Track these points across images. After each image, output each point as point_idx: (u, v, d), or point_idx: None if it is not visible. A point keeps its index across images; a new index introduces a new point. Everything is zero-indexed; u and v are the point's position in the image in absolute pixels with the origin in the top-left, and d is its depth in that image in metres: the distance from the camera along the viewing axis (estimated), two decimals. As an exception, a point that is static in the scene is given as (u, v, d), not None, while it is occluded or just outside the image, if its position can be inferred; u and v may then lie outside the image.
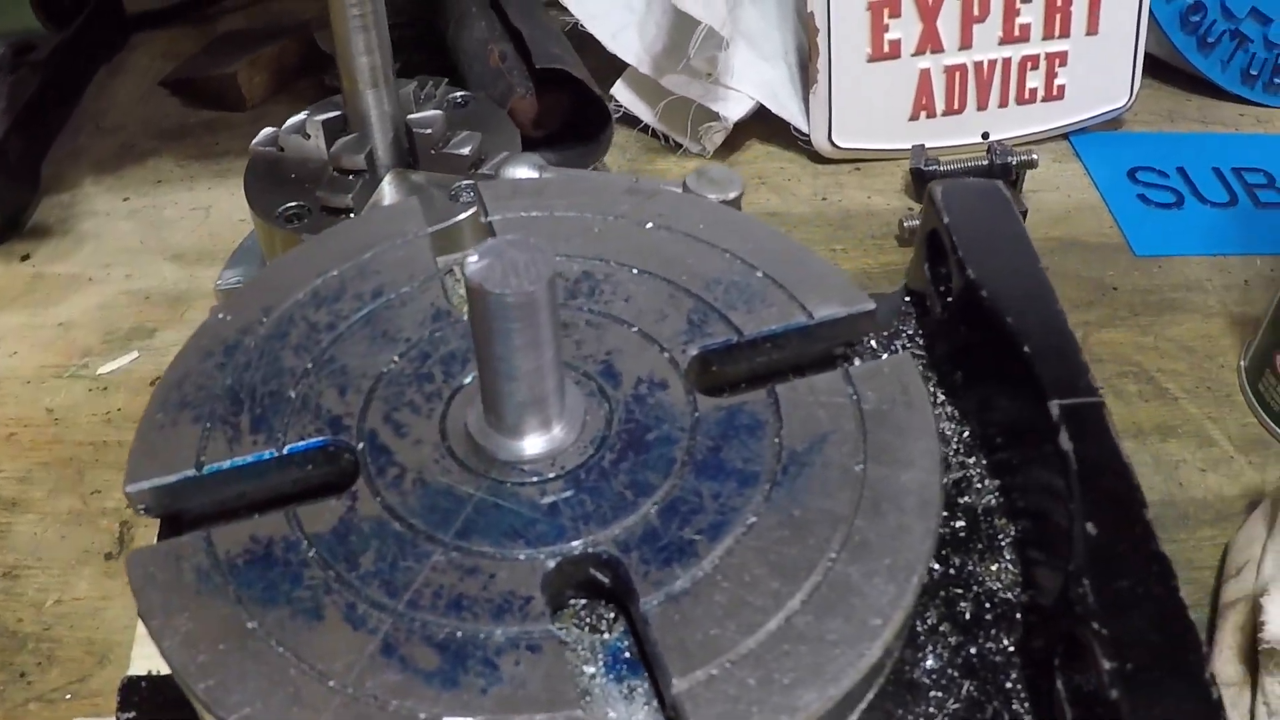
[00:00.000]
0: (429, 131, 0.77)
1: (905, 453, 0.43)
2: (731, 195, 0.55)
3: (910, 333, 0.57)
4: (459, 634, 0.38)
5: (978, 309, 0.51)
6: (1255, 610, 0.63)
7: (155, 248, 1.01)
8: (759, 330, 0.47)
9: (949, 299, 0.54)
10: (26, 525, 0.78)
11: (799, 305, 0.48)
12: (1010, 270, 0.52)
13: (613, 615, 0.41)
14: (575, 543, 0.40)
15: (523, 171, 0.58)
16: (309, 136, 0.78)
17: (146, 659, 0.40)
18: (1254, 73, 1.14)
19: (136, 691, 0.45)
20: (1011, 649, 0.45)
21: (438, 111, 0.79)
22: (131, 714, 0.45)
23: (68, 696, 0.69)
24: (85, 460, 0.82)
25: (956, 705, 0.43)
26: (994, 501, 0.49)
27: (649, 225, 0.52)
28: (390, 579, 0.39)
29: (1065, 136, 1.09)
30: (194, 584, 0.40)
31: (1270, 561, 0.67)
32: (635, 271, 0.50)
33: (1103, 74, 1.07)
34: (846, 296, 0.48)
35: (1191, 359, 0.86)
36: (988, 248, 0.53)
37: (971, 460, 0.51)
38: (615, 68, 1.04)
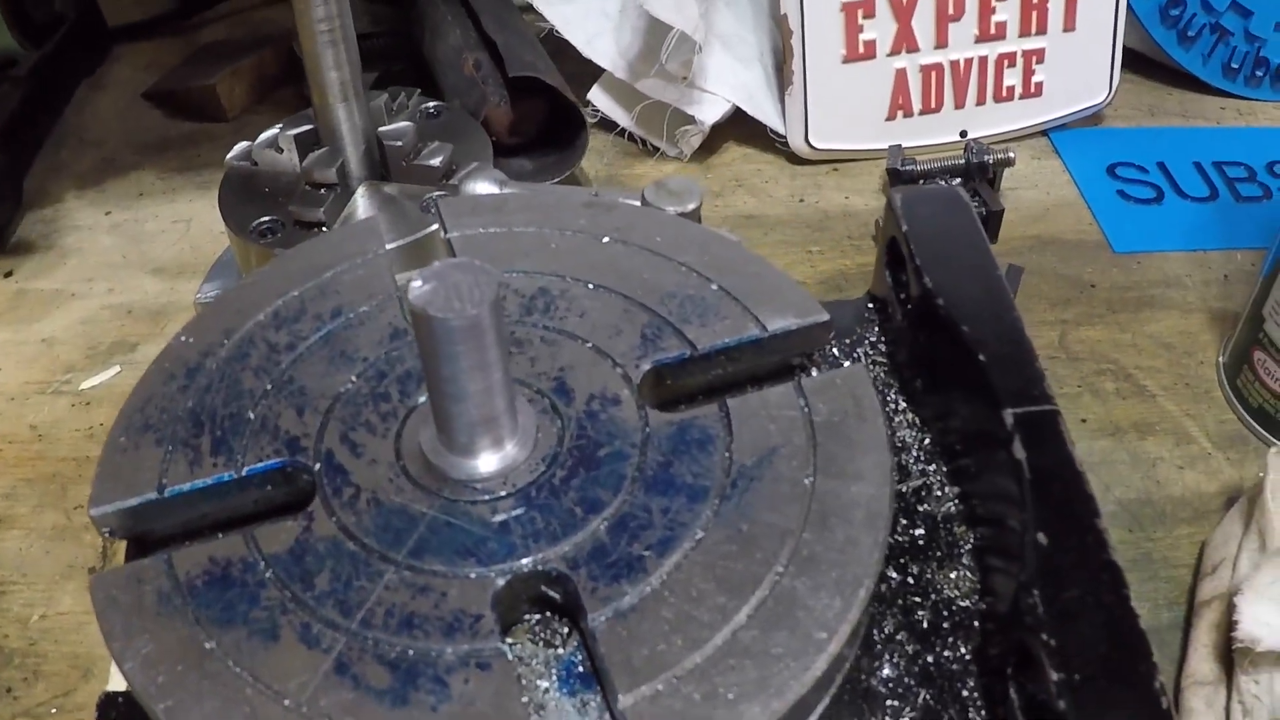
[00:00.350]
0: (400, 144, 0.78)
1: (855, 466, 0.43)
2: (690, 207, 0.55)
3: (873, 339, 0.57)
4: (410, 652, 0.38)
5: (935, 317, 0.51)
6: (1230, 609, 0.64)
7: (136, 262, 1.02)
8: (712, 344, 0.48)
9: (909, 306, 0.55)
10: (11, 541, 0.79)
11: (753, 318, 0.48)
12: (967, 278, 0.52)
13: (566, 630, 0.42)
14: (525, 560, 0.41)
15: (483, 187, 0.59)
16: (282, 151, 0.78)
17: (123, 675, 0.41)
18: (1235, 66, 1.14)
19: (114, 707, 0.45)
20: (969, 657, 0.45)
21: (409, 124, 0.80)
22: (104, 731, 0.45)
23: (53, 711, 0.70)
24: (69, 476, 0.82)
25: (913, 714, 0.43)
26: (953, 509, 0.50)
27: (606, 240, 0.52)
28: (344, 598, 0.40)
29: (1044, 133, 1.09)
30: (154, 606, 0.40)
31: (1245, 560, 0.67)
32: (591, 287, 0.50)
33: (1081, 70, 1.07)
34: (801, 308, 0.49)
35: (1170, 356, 0.86)
36: (945, 256, 0.53)
37: (932, 468, 0.51)
38: (592, 73, 1.04)
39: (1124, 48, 1.08)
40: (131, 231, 1.05)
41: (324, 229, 0.74)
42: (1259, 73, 1.15)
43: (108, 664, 0.71)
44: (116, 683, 0.53)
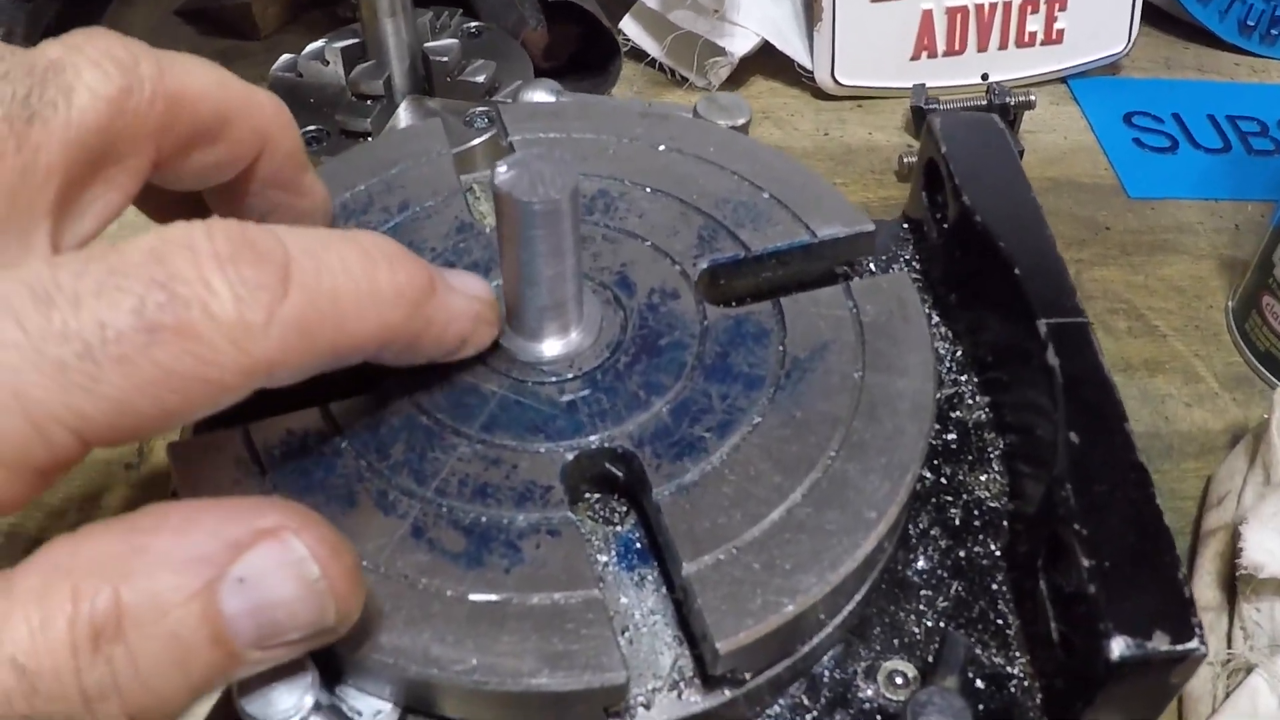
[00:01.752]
0: (445, 59, 0.79)
1: (901, 362, 0.46)
2: (740, 121, 0.57)
3: (907, 257, 0.59)
4: (483, 519, 0.41)
5: (972, 234, 0.53)
6: (1234, 538, 0.65)
7: (171, 174, 1.03)
8: (765, 247, 0.50)
9: (945, 225, 0.57)
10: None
11: (803, 225, 0.50)
12: (1003, 198, 0.54)
13: (624, 509, 0.44)
14: (593, 437, 0.43)
15: (540, 95, 0.61)
16: (328, 63, 0.80)
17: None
18: (1251, 24, 1.16)
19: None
20: (998, 553, 0.48)
21: (453, 40, 0.81)
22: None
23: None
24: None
25: (945, 604, 0.46)
26: (984, 417, 0.52)
27: (661, 147, 0.54)
28: (419, 469, 0.42)
29: (1063, 80, 1.11)
30: (233, 472, 0.42)
31: (1250, 492, 0.69)
32: (649, 190, 0.52)
33: (1102, 20, 1.09)
34: (848, 218, 0.51)
35: (1181, 298, 0.88)
36: (982, 177, 0.55)
37: (964, 378, 0.53)
38: (624, 2, 1.05)
39: (1144, 1, 1.09)
40: (166, 144, 1.06)
41: (370, 139, 0.76)
42: (1274, 31, 1.16)
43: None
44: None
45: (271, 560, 0.32)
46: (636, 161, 0.54)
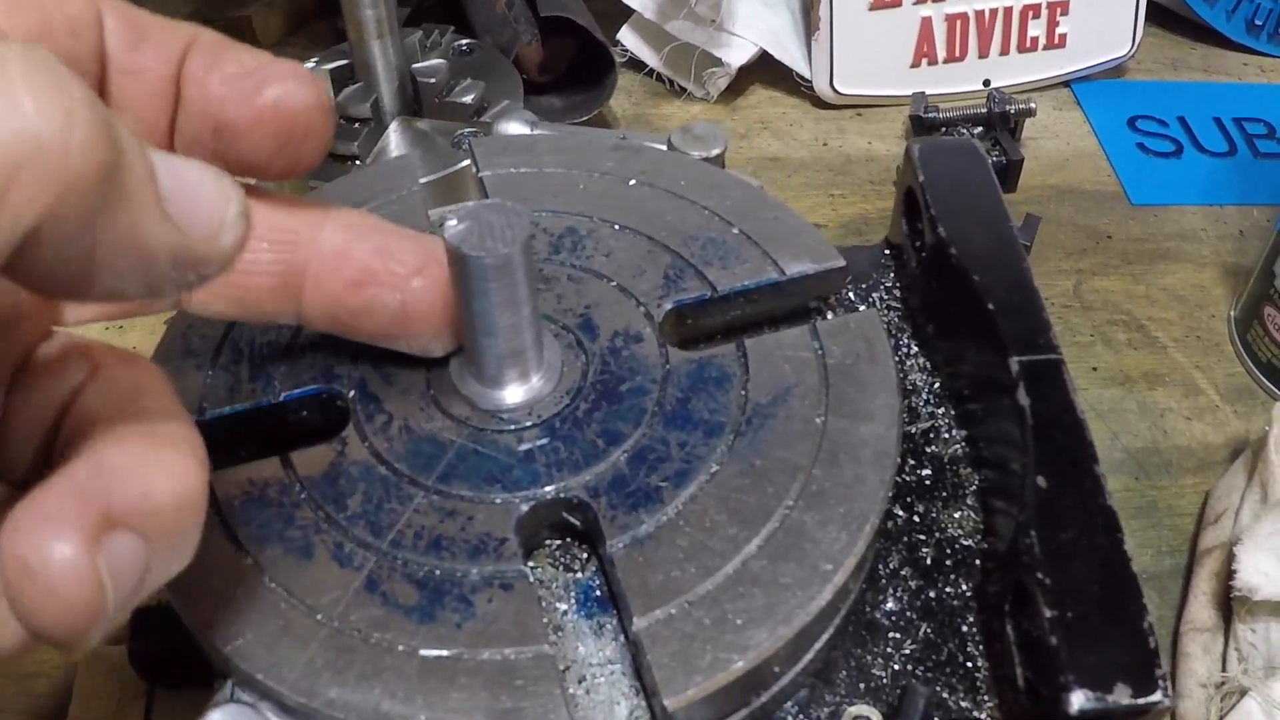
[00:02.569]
0: (433, 80, 0.79)
1: (865, 406, 0.45)
2: (714, 152, 0.57)
3: (888, 285, 0.59)
4: (437, 572, 0.41)
5: (947, 265, 0.53)
6: (1230, 558, 0.65)
7: (171, 188, 1.03)
8: (732, 286, 0.49)
9: (923, 254, 0.56)
10: (44, 458, 0.81)
11: (772, 262, 0.50)
12: (980, 229, 0.54)
13: (585, 555, 0.44)
14: (548, 488, 0.43)
15: (515, 127, 0.60)
16: (317, 84, 0.80)
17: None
18: (1259, 23, 1.14)
19: (147, 618, 0.47)
20: (969, 594, 0.47)
21: (441, 61, 0.81)
22: (141, 640, 0.47)
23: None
24: (101, 396, 0.84)
25: (914, 646, 0.46)
26: (960, 451, 0.52)
27: (632, 182, 0.54)
28: (375, 520, 0.42)
29: (1066, 84, 1.10)
30: None
31: (1247, 511, 0.68)
32: (617, 227, 0.52)
33: (1104, 23, 1.08)
34: (818, 254, 0.50)
35: (1182, 308, 0.87)
36: (960, 207, 0.55)
37: (940, 410, 0.53)
38: (622, 12, 1.05)
39: (1148, 1, 1.08)
40: (166, 159, 1.07)
41: (358, 162, 0.76)
42: (1283, 30, 1.15)
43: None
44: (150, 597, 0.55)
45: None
46: (606, 197, 0.53)
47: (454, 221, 0.40)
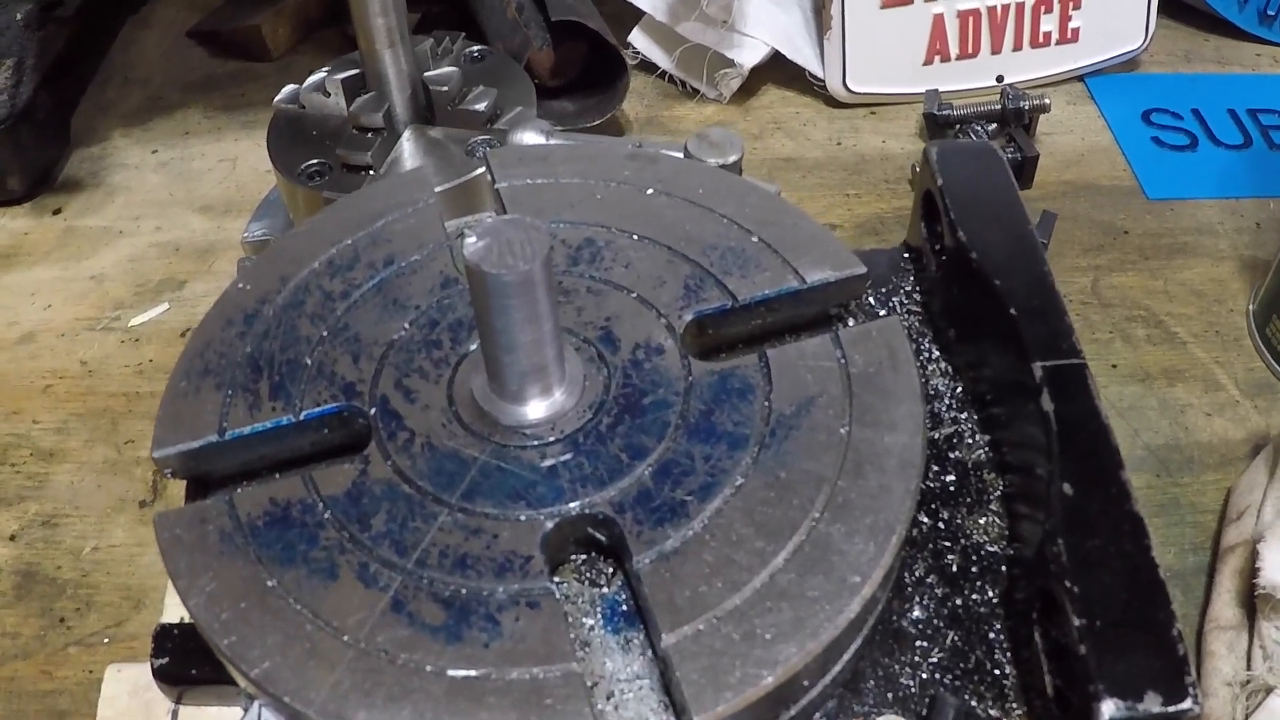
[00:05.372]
0: (445, 89, 0.79)
1: (889, 415, 0.45)
2: (731, 159, 0.56)
3: (908, 289, 0.58)
4: (463, 591, 0.40)
5: (967, 270, 0.53)
6: (1253, 555, 0.65)
7: (184, 200, 1.03)
8: (752, 295, 0.49)
9: (943, 257, 0.56)
10: (63, 475, 0.81)
11: (792, 270, 0.50)
12: (1000, 233, 0.53)
13: (611, 570, 0.44)
14: (573, 504, 0.42)
15: (530, 137, 0.60)
16: (329, 94, 0.80)
17: (179, 606, 0.42)
18: (1271, 13, 1.14)
19: (169, 638, 0.47)
20: (996, 601, 0.47)
21: (453, 69, 0.81)
22: (165, 660, 0.47)
23: (105, 640, 0.72)
24: (119, 411, 0.84)
25: (941, 654, 0.45)
26: (984, 456, 0.51)
27: (649, 191, 0.54)
28: (400, 539, 0.42)
29: (1080, 79, 1.10)
30: (217, 545, 0.42)
31: (1270, 507, 0.68)
32: (635, 238, 0.52)
33: (1117, 16, 1.07)
34: (838, 260, 0.50)
35: (1201, 303, 0.87)
36: (979, 210, 0.54)
37: (964, 415, 0.53)
38: (633, 15, 1.05)
39: (1162, -6, 1.08)
40: (178, 170, 1.07)
41: (371, 172, 0.76)
42: (1295, 19, 1.15)
43: (159, 595, 0.73)
44: (170, 615, 0.55)
45: None
46: (624, 207, 0.53)
47: (473, 239, 0.39)
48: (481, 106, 0.79)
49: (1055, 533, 0.43)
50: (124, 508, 0.79)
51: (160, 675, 0.47)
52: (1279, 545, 0.64)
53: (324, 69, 0.82)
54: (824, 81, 1.04)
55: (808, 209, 0.53)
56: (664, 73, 1.05)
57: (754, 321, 0.50)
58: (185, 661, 0.47)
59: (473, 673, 0.38)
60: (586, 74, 0.99)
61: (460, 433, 0.45)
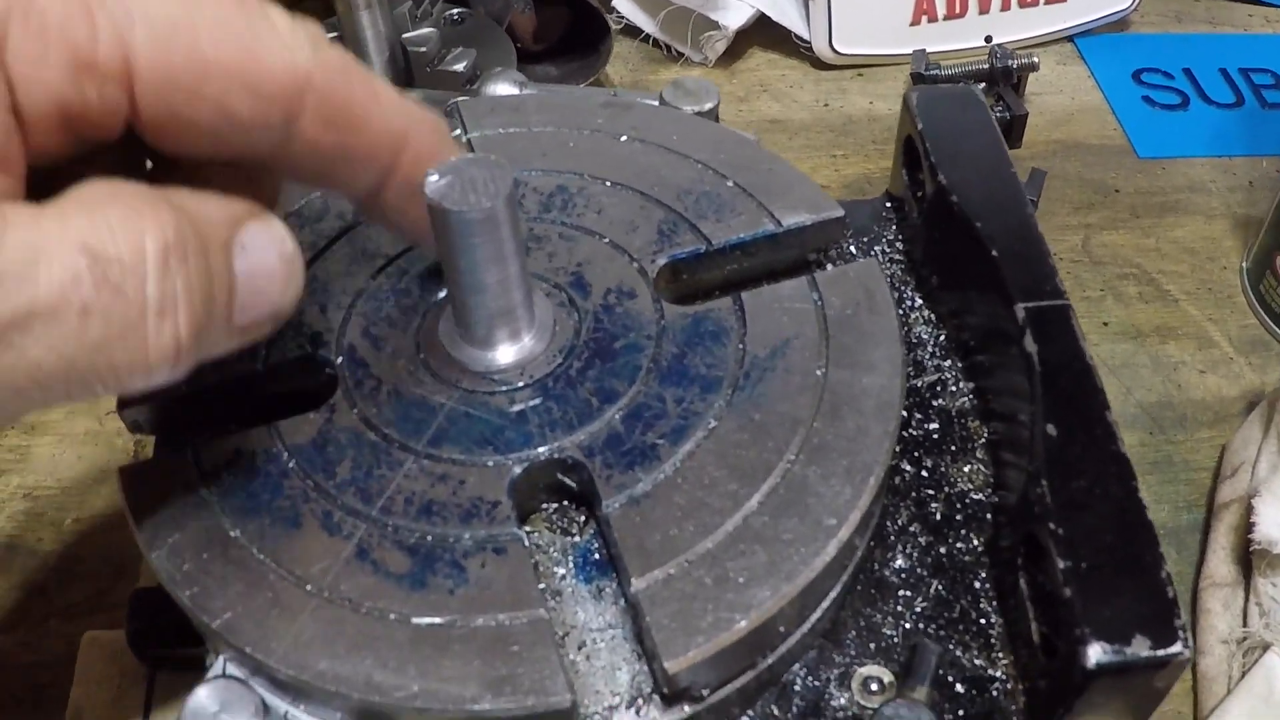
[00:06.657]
0: (424, 50, 0.78)
1: (866, 357, 0.44)
2: (707, 106, 0.55)
3: (890, 237, 0.57)
4: (429, 538, 0.39)
5: (949, 214, 0.52)
6: (1248, 511, 0.64)
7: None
8: (727, 239, 0.48)
9: (924, 203, 0.55)
10: (44, 447, 0.80)
11: (768, 213, 0.49)
12: (981, 176, 0.52)
13: (583, 519, 0.43)
14: (541, 448, 0.41)
15: (503, 88, 0.59)
16: (306, 56, 0.79)
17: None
18: (1263, -28, 1.13)
19: (145, 602, 0.46)
20: (981, 549, 0.46)
21: (432, 30, 0.80)
22: (139, 623, 0.46)
23: (88, 610, 0.71)
24: (99, 381, 0.83)
25: (925, 604, 0.44)
26: (968, 404, 0.50)
27: (623, 138, 0.53)
28: (365, 487, 0.41)
29: (1070, 39, 1.08)
30: (181, 496, 0.41)
31: (1264, 463, 0.67)
32: (608, 184, 0.51)
33: (1108, -25, 1.06)
34: (815, 204, 0.49)
35: (1193, 260, 0.86)
36: (961, 154, 0.53)
37: (947, 363, 0.52)
38: (616, -21, 1.04)
39: (1153, -48, 1.07)
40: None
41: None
42: (1288, -21, 1.13)
43: (141, 563, 0.73)
44: (148, 579, 0.54)
45: (263, 235, 0.34)
46: (597, 154, 0.52)
47: (435, 177, 0.38)
48: (460, 68, 0.78)
49: (1039, 474, 0.42)
50: (105, 478, 0.78)
51: (133, 640, 0.46)
52: (1274, 501, 0.63)
53: (301, 32, 0.80)
54: (810, 43, 1.02)
55: (793, 167, 0.52)
56: (648, 36, 1.04)
57: (729, 266, 0.49)
58: (158, 623, 0.46)
59: (437, 620, 0.37)
60: (569, 38, 0.98)
61: (428, 379, 0.44)
